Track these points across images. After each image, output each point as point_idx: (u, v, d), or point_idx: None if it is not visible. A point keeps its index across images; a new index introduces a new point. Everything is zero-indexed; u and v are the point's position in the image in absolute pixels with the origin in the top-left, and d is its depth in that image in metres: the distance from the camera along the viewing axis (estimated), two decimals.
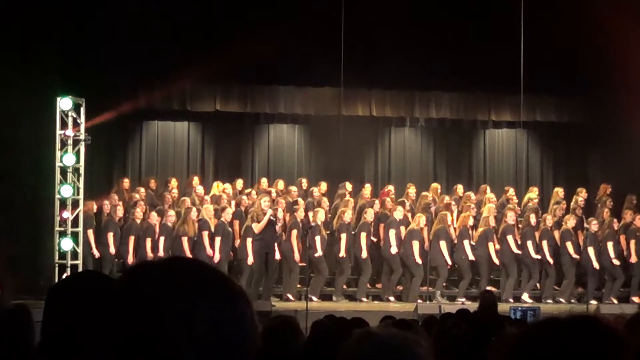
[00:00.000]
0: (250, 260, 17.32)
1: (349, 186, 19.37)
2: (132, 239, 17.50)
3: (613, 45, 17.16)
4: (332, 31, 17.79)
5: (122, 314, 1.66)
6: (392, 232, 17.99)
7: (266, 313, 12.99)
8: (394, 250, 17.89)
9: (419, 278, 17.98)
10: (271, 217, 17.26)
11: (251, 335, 1.72)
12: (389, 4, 17.93)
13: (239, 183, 19.53)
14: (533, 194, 19.86)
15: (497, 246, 18.38)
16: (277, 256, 17.62)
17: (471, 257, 18.14)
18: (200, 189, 19.02)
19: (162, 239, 17.49)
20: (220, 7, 18.49)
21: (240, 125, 20.95)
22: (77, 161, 17.35)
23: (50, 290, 2.80)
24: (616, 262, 18.35)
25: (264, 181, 19.56)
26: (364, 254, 17.97)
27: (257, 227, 17.26)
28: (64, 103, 17.19)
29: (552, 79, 19.32)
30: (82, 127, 17.40)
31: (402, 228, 18.08)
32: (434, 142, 21.68)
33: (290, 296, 17.74)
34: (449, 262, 18.10)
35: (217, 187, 19.29)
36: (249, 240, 17.37)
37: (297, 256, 17.64)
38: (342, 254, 17.86)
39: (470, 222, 18.41)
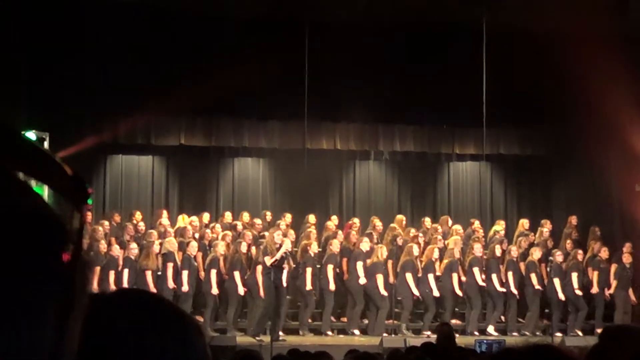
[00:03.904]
0: (214, 291, 17.28)
1: (312, 218, 19.31)
2: (96, 270, 17.35)
3: (574, 78, 17.32)
4: (296, 65, 17.86)
5: None
6: (359, 264, 17.92)
7: (230, 347, 12.91)
8: (362, 281, 17.81)
9: (384, 310, 17.94)
10: (285, 252, 17.14)
11: None
12: (353, 39, 18.01)
13: (206, 216, 19.41)
14: (499, 226, 19.89)
15: (463, 278, 18.39)
16: (242, 291, 17.47)
17: (436, 293, 18.11)
18: (166, 222, 18.89)
19: (125, 271, 17.35)
20: (184, 41, 18.51)
21: (205, 159, 20.89)
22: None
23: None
24: (579, 292, 18.39)
25: (228, 215, 19.49)
26: (332, 286, 17.89)
27: (269, 261, 17.13)
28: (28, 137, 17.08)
29: (514, 112, 19.48)
30: None
31: (368, 261, 18.06)
32: (398, 175, 21.72)
33: None
34: (416, 294, 18.05)
35: (183, 219, 19.18)
36: (213, 272, 17.32)
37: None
38: (309, 287, 17.79)
39: (436, 254, 18.41)
